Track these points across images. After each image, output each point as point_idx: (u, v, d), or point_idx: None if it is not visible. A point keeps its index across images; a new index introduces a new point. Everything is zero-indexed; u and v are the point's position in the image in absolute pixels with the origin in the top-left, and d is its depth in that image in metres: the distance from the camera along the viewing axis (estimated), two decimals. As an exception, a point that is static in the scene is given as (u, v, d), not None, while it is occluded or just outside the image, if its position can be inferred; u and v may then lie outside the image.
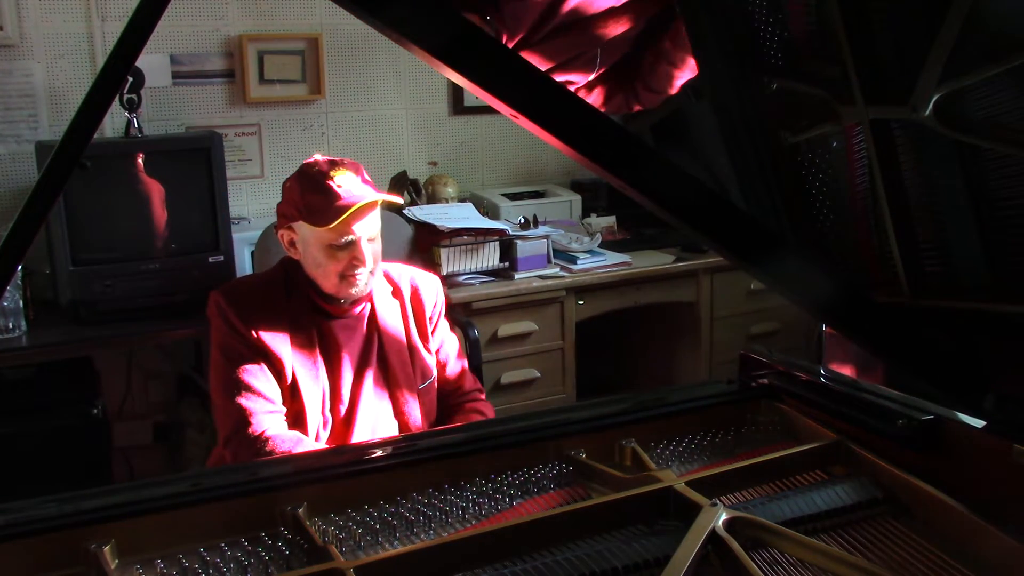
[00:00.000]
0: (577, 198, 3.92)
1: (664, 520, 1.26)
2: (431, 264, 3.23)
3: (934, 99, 1.15)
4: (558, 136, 1.11)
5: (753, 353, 1.66)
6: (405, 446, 1.48)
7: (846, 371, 1.67)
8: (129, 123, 3.01)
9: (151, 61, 3.30)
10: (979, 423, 1.28)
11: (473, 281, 3.31)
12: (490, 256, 3.34)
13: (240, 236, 3.19)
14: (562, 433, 1.48)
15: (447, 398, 2.21)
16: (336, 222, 1.92)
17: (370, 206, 1.97)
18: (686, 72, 1.95)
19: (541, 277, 3.38)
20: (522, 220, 3.52)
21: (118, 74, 1.15)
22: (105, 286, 2.92)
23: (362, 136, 3.80)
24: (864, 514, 1.29)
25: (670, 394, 1.67)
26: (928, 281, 1.29)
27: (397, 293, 2.16)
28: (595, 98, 2.03)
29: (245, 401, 1.92)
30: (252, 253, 3.18)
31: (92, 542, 1.19)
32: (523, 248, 3.37)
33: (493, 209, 3.70)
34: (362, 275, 2.00)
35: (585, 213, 3.91)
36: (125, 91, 2.93)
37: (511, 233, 3.36)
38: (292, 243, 2.02)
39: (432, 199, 3.67)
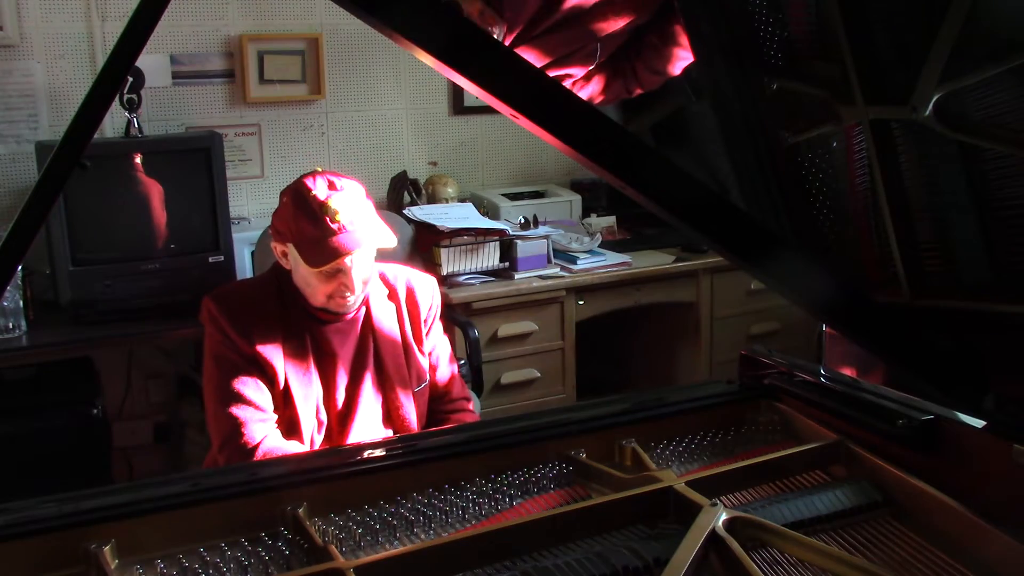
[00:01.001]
0: (577, 198, 3.92)
1: (664, 520, 1.26)
2: (431, 264, 3.23)
3: (934, 99, 1.15)
4: (558, 136, 1.11)
5: (753, 353, 1.66)
6: (405, 446, 1.48)
7: (846, 371, 1.67)
8: (129, 123, 3.01)
9: (151, 61, 3.31)
10: (979, 423, 1.28)
11: (473, 281, 3.31)
12: (490, 256, 3.34)
13: (240, 236, 3.19)
14: (562, 433, 1.48)
15: (434, 403, 2.19)
16: (325, 266, 1.90)
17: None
18: (690, 54, 1.93)
19: (541, 277, 3.38)
20: (522, 220, 3.52)
21: (118, 74, 1.15)
22: (105, 286, 2.92)
23: (362, 136, 3.80)
24: (864, 515, 1.29)
25: (670, 394, 1.66)
26: (928, 281, 1.29)
27: (393, 295, 2.13)
28: (594, 86, 2.02)
29: (237, 410, 1.91)
30: (252, 253, 3.19)
31: (92, 542, 1.19)
32: (523, 248, 3.37)
33: (493, 209, 3.70)
34: (350, 298, 1.98)
35: (585, 213, 3.91)
36: (125, 91, 2.93)
37: (511, 233, 3.36)
38: (284, 255, 2.00)
39: (432, 199, 3.67)
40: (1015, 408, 1.25)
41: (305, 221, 1.91)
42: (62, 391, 2.98)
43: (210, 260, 3.05)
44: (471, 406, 2.27)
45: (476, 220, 3.41)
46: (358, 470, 1.38)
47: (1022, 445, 1.20)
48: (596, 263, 3.49)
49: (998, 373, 1.27)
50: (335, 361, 2.02)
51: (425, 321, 2.15)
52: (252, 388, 1.94)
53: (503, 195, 3.79)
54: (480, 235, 3.31)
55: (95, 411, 2.94)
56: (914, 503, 1.28)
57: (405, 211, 3.42)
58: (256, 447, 1.89)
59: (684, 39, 1.90)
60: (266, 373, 1.95)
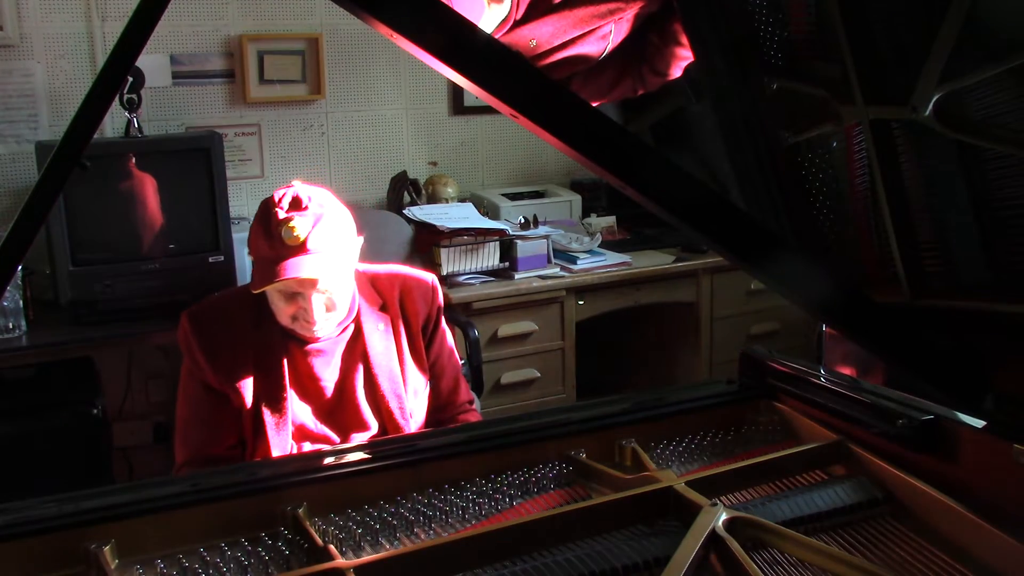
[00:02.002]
0: (577, 198, 3.92)
1: (664, 520, 1.26)
2: (431, 264, 3.23)
3: (934, 99, 1.15)
4: (558, 136, 1.11)
5: (753, 353, 1.66)
6: (405, 446, 1.48)
7: (846, 371, 1.67)
8: (129, 123, 3.01)
9: (151, 61, 3.31)
10: (979, 423, 1.28)
11: (473, 281, 3.31)
12: (490, 256, 3.34)
13: (240, 236, 3.17)
14: (562, 433, 1.48)
15: (437, 412, 2.05)
16: (262, 288, 1.80)
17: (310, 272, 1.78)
18: (690, 53, 1.93)
19: (541, 277, 3.38)
20: (522, 220, 3.52)
21: (118, 74, 1.15)
22: (105, 286, 2.92)
23: (362, 136, 3.80)
24: (864, 514, 1.29)
25: (670, 394, 1.66)
26: (928, 281, 1.29)
27: (386, 307, 1.99)
28: (604, 80, 2.02)
29: (199, 436, 1.89)
30: (252, 253, 3.18)
31: (92, 542, 1.19)
32: (523, 248, 3.37)
33: (493, 209, 3.70)
34: (317, 323, 1.85)
35: (585, 213, 3.91)
36: (125, 91, 2.93)
37: (511, 233, 3.36)
38: None
39: (432, 199, 3.67)
40: (1015, 408, 1.25)
41: (262, 237, 1.81)
42: (62, 391, 2.98)
43: (210, 260, 3.05)
44: (474, 407, 2.17)
45: (476, 220, 3.42)
46: (358, 470, 1.38)
47: (1022, 445, 1.20)
48: (596, 263, 3.49)
49: (998, 373, 1.27)
50: (316, 386, 1.91)
51: (424, 330, 2.02)
52: (219, 416, 1.88)
53: (503, 195, 3.80)
54: (480, 235, 3.31)
55: (95, 411, 2.93)
56: (914, 503, 1.28)
57: (405, 211, 3.42)
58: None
59: (684, 38, 1.90)
60: (233, 402, 1.87)
